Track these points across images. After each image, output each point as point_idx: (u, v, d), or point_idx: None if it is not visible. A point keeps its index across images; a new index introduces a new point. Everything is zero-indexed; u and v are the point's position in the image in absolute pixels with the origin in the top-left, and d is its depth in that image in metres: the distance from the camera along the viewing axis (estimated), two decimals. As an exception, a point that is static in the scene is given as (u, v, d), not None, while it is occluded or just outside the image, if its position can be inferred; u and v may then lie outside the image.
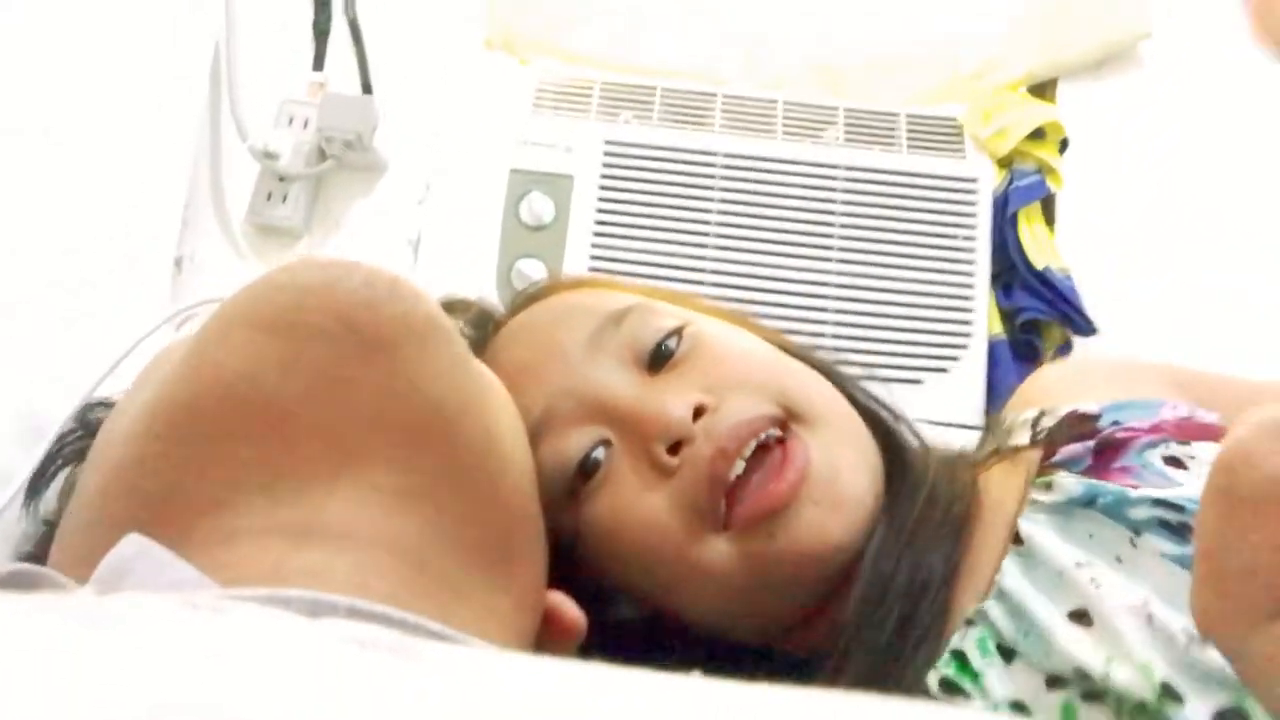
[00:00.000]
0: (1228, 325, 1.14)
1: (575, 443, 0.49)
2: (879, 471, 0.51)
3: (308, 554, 0.29)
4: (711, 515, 0.47)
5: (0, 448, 0.65)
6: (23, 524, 0.55)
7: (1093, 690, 0.40)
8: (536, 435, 0.47)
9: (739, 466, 0.47)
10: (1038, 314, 1.09)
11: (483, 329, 0.60)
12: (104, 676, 0.15)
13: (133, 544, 0.27)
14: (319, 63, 1.24)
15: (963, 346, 1.07)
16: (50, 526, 0.48)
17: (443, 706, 0.17)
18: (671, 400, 0.48)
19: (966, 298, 1.08)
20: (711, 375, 0.50)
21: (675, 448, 0.47)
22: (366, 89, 1.23)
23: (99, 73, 1.01)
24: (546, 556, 0.39)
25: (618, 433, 0.49)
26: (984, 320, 1.08)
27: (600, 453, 0.49)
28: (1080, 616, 0.42)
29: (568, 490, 0.49)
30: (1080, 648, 0.41)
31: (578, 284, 0.60)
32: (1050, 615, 0.42)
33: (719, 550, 0.47)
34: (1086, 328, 1.09)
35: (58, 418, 0.62)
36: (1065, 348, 1.12)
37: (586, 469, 0.49)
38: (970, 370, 1.07)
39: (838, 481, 0.48)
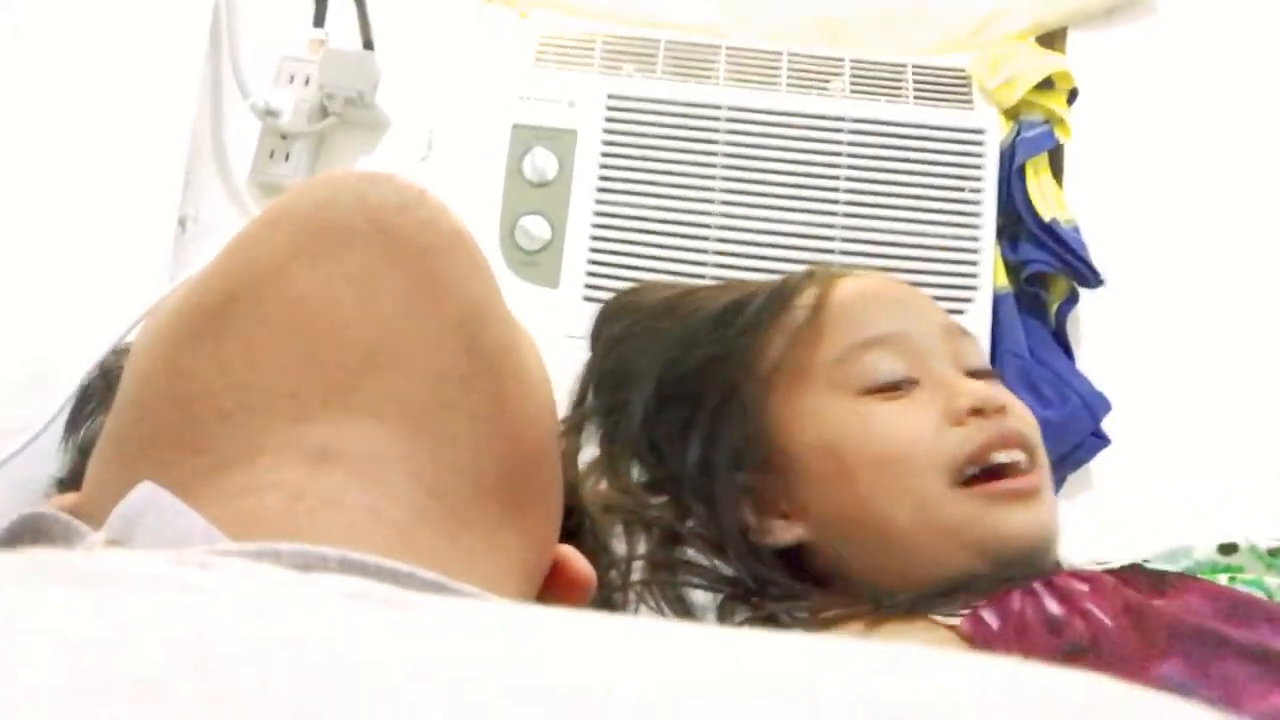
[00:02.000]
0: (1235, 278, 1.13)
1: (898, 365, 0.58)
2: None
3: (326, 478, 0.30)
4: (963, 470, 0.56)
5: (10, 401, 0.66)
6: (60, 458, 0.55)
7: None
8: (875, 342, 0.59)
9: (1001, 456, 0.56)
10: (1044, 267, 1.08)
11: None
12: (83, 635, 0.15)
13: (145, 492, 0.27)
14: (319, 19, 1.23)
15: (968, 300, 1.07)
16: (86, 455, 0.48)
17: (435, 658, 0.17)
18: (988, 386, 0.59)
19: (972, 250, 1.08)
20: (1011, 404, 0.60)
21: (973, 413, 0.57)
22: (367, 45, 1.22)
23: (100, 32, 1.01)
24: (562, 503, 0.39)
25: (930, 386, 0.58)
26: (989, 273, 1.07)
27: (910, 386, 0.59)
28: None
29: (866, 389, 0.58)
30: None
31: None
32: None
33: (947, 495, 0.55)
34: (1094, 280, 1.09)
35: (66, 372, 0.62)
36: (1071, 301, 1.11)
37: (892, 385, 0.58)
38: (975, 323, 1.06)
39: (1044, 511, 0.58)
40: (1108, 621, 0.48)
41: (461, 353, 0.33)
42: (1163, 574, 0.53)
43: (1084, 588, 0.51)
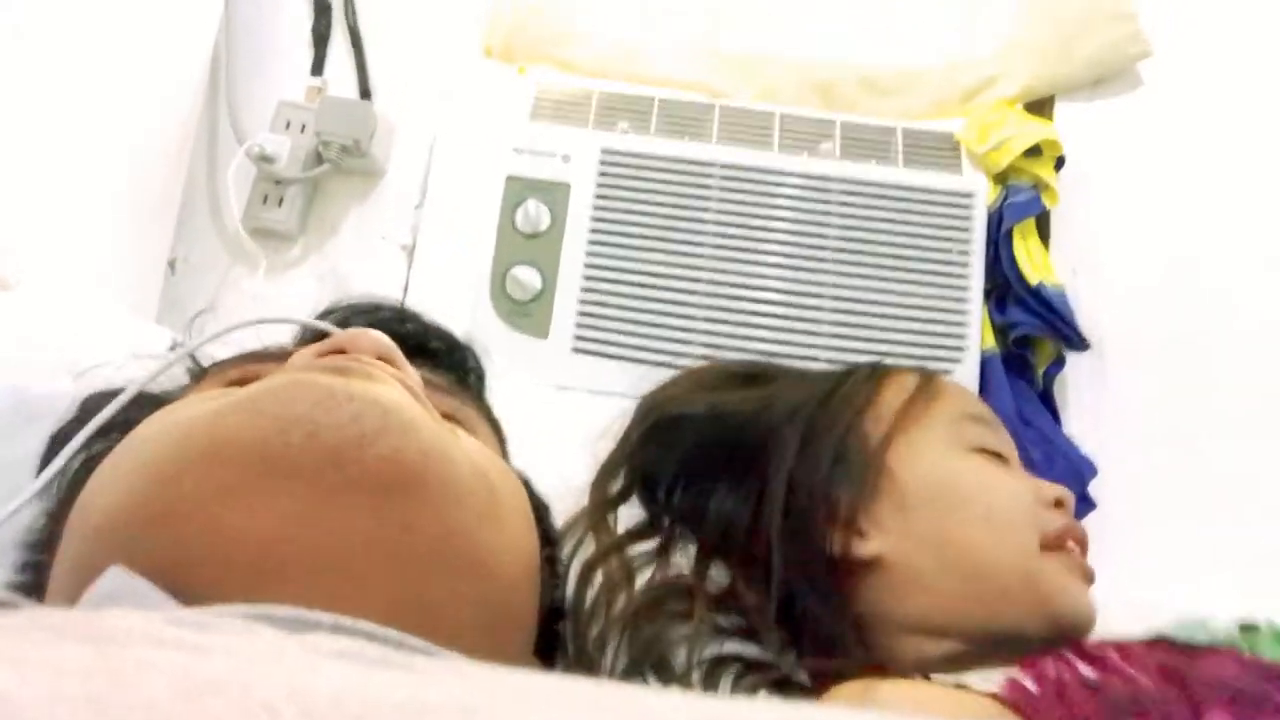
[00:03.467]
0: (1223, 342, 1.14)
1: (995, 442, 0.64)
2: None
3: (300, 636, 0.29)
4: (1049, 542, 0.60)
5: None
6: (30, 512, 0.55)
7: None
8: (983, 416, 0.65)
9: (1074, 547, 0.62)
10: (1031, 330, 1.09)
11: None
12: (98, 688, 0.15)
13: (115, 577, 0.26)
14: (318, 67, 1.25)
15: (956, 360, 1.07)
16: (55, 521, 0.47)
17: (429, 705, 0.16)
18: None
19: (960, 312, 1.09)
20: None
21: (1056, 504, 0.62)
22: (365, 94, 1.23)
23: (97, 73, 1.01)
24: (534, 637, 0.40)
25: (1016, 471, 0.64)
26: (977, 335, 1.08)
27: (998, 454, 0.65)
28: None
29: (977, 449, 0.63)
30: None
31: None
32: None
33: (1033, 550, 0.59)
34: (1080, 344, 1.10)
35: (46, 408, 0.61)
36: (1058, 364, 1.12)
37: (994, 453, 0.63)
38: (963, 384, 1.07)
39: (1093, 602, 0.61)
40: (1146, 681, 0.49)
41: (438, 573, 0.32)
42: (1190, 644, 0.54)
43: (1114, 654, 0.52)
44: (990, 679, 0.54)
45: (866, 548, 0.61)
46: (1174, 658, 0.51)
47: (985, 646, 0.59)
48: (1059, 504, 0.63)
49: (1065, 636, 0.57)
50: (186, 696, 0.15)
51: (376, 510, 0.30)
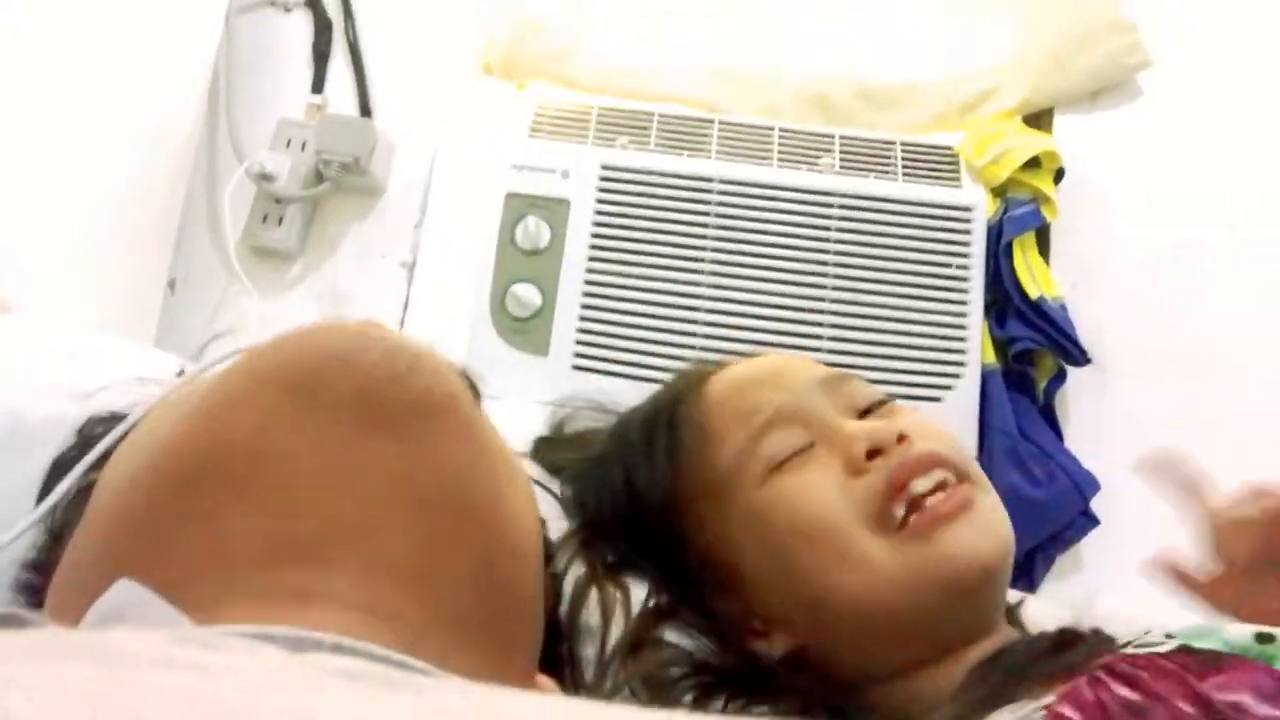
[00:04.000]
0: (1224, 355, 1.14)
1: (788, 439, 0.57)
2: (1013, 552, 0.58)
3: (307, 615, 0.29)
4: (884, 515, 0.53)
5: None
6: (31, 534, 0.55)
7: None
8: (760, 432, 0.57)
9: (920, 484, 0.54)
10: (1031, 344, 1.09)
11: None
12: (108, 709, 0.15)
13: (125, 589, 0.27)
14: (318, 85, 1.25)
15: (956, 375, 1.07)
16: (58, 540, 0.47)
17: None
18: (878, 424, 0.57)
19: (960, 326, 1.08)
20: (913, 428, 0.57)
21: (872, 455, 0.55)
22: (365, 112, 1.24)
23: (97, 91, 1.02)
24: (540, 642, 0.39)
25: (825, 442, 0.57)
26: (977, 349, 1.08)
27: (804, 452, 0.57)
28: None
29: (768, 470, 0.56)
30: None
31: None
32: None
33: (882, 547, 0.53)
34: (1080, 358, 1.09)
35: (47, 433, 0.61)
36: (1059, 378, 1.12)
37: (787, 458, 0.57)
38: (963, 399, 1.06)
39: (993, 518, 0.55)
40: (1188, 709, 0.46)
41: (446, 522, 0.32)
42: (1216, 653, 0.51)
43: (1144, 673, 0.49)
44: (1022, 712, 0.49)
45: (776, 649, 0.57)
46: (1199, 673, 0.48)
47: (953, 647, 0.54)
48: (875, 451, 0.55)
49: (988, 585, 0.53)
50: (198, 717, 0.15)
51: (403, 442, 0.31)
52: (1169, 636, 0.54)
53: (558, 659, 0.56)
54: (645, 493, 0.60)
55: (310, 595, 0.30)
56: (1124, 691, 0.48)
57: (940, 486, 0.54)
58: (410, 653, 0.30)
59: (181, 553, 0.30)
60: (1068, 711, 0.47)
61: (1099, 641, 0.55)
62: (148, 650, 0.19)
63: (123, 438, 0.41)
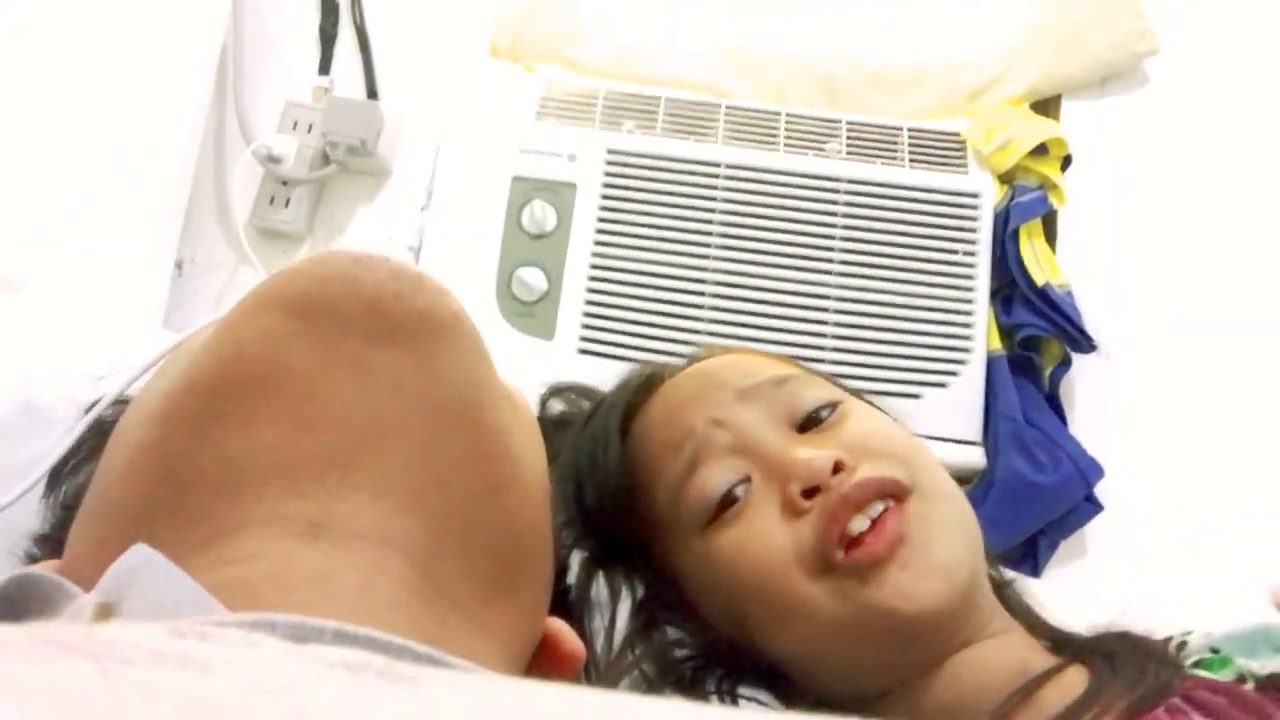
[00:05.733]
0: (1228, 344, 1.14)
1: (721, 476, 0.54)
2: (981, 557, 0.55)
3: (315, 552, 0.29)
4: (823, 557, 0.51)
5: (1, 443, 0.65)
6: (42, 514, 0.55)
7: None
8: (691, 465, 0.55)
9: (861, 522, 0.51)
10: (1038, 330, 1.09)
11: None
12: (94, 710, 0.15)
13: (138, 554, 0.27)
14: (325, 67, 1.25)
15: (962, 362, 1.07)
16: (70, 511, 0.48)
17: None
18: (815, 452, 0.53)
19: (966, 313, 1.08)
20: (853, 442, 0.55)
21: (810, 493, 0.52)
22: (372, 94, 1.23)
23: (104, 74, 1.02)
24: (552, 579, 0.39)
25: (760, 472, 0.54)
26: (983, 336, 1.08)
27: (741, 489, 0.54)
28: None
29: (706, 520, 0.54)
30: None
31: (742, 351, 0.67)
32: None
33: (822, 591, 0.51)
34: (1086, 345, 1.09)
35: (59, 414, 0.62)
36: (1064, 365, 1.12)
37: (726, 501, 0.54)
38: (969, 386, 1.07)
39: (931, 552, 0.52)
40: None
41: (456, 436, 0.32)
42: None
43: (1223, 700, 0.47)
44: None
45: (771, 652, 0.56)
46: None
47: (937, 660, 0.53)
48: (809, 491, 0.52)
49: (937, 625, 0.51)
50: None
51: (413, 355, 0.32)
52: (1214, 651, 0.53)
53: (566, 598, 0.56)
54: (596, 512, 0.59)
55: (320, 526, 0.30)
56: None
57: (879, 518, 0.51)
58: (423, 591, 0.30)
59: (199, 482, 0.31)
60: None
61: (1162, 651, 0.53)
62: (145, 643, 0.19)
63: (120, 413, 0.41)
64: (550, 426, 0.65)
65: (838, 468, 0.52)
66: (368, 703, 0.18)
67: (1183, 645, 0.55)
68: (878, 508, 0.51)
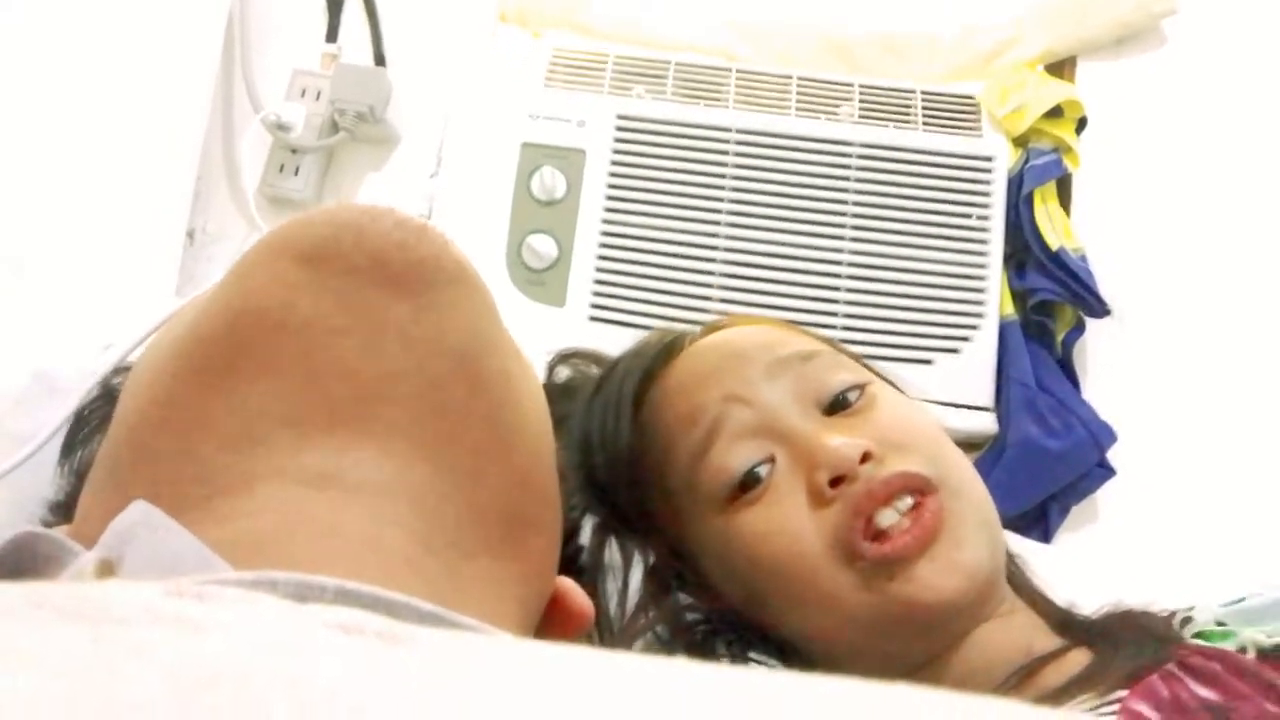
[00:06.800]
0: (1243, 308, 1.13)
1: (743, 454, 0.54)
2: (1001, 553, 0.56)
3: (324, 503, 0.30)
4: (850, 548, 0.51)
5: (16, 410, 0.66)
6: (57, 481, 0.55)
7: None
8: (708, 439, 0.54)
9: (888, 515, 0.51)
10: (1051, 295, 1.08)
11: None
12: (87, 673, 0.15)
13: (138, 510, 0.27)
14: (332, 34, 1.24)
15: (974, 327, 1.07)
16: (83, 479, 0.48)
17: (428, 694, 0.16)
18: (845, 439, 0.52)
19: (979, 278, 1.08)
20: (881, 432, 0.54)
21: (836, 482, 0.52)
22: (380, 61, 1.23)
23: (112, 43, 1.01)
24: (560, 536, 0.39)
25: (787, 454, 0.53)
26: (996, 301, 1.07)
27: (764, 469, 0.54)
28: None
29: (726, 497, 0.54)
30: None
31: (767, 321, 0.65)
32: None
33: (847, 582, 0.51)
34: (1100, 310, 1.09)
35: (71, 382, 0.62)
36: (1078, 330, 1.11)
37: (748, 481, 0.53)
38: (981, 351, 1.06)
39: (960, 549, 0.52)
40: (1274, 709, 0.45)
41: (462, 385, 0.33)
42: None
43: (1217, 666, 0.47)
44: (1094, 703, 0.47)
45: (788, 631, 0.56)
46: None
47: (951, 646, 0.53)
48: (836, 480, 0.51)
49: (956, 616, 0.52)
50: (179, 695, 0.15)
51: (419, 303, 0.32)
52: (1220, 624, 0.53)
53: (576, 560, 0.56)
54: (608, 478, 0.59)
55: (329, 477, 0.30)
56: (1200, 689, 0.46)
57: (910, 510, 0.51)
58: (432, 543, 0.30)
59: (207, 434, 0.31)
60: (1142, 708, 0.45)
61: (1164, 628, 0.53)
62: (141, 602, 0.18)
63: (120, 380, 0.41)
64: (556, 392, 0.65)
65: (865, 457, 0.52)
66: (363, 667, 0.17)
67: (1187, 620, 0.55)
68: (905, 501, 0.51)
